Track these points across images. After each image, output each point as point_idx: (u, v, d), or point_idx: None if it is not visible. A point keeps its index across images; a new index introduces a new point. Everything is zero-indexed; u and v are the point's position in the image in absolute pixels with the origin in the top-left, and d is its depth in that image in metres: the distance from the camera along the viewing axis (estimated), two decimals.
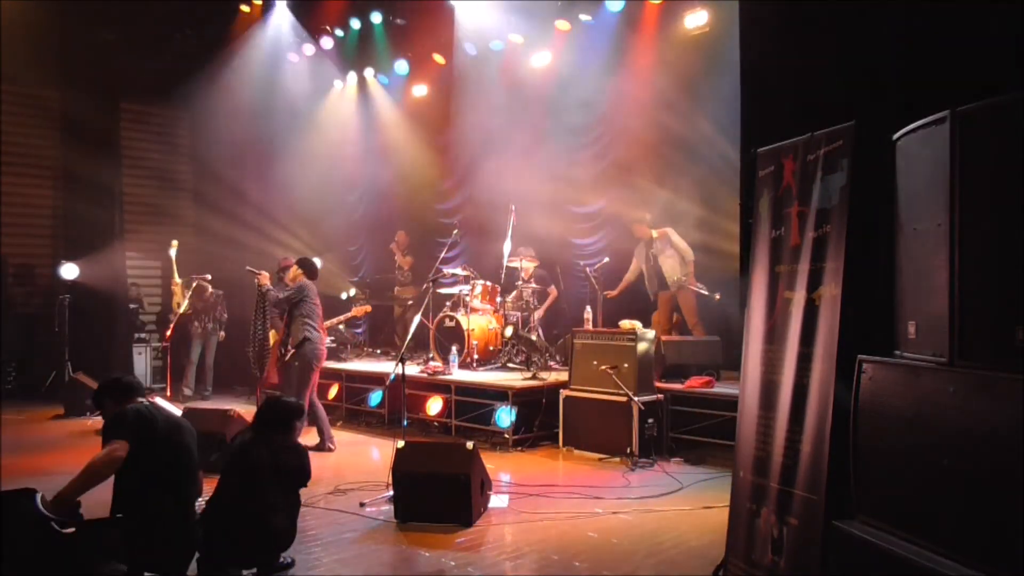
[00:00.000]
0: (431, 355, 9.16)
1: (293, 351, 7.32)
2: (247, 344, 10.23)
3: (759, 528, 3.62)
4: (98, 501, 3.76)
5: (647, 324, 7.97)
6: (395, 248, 11.29)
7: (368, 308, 9.78)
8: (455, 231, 9.52)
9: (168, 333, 10.17)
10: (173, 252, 10.44)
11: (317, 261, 8.01)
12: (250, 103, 12.11)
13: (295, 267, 7.68)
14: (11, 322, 11.18)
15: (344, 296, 11.58)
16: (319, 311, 7.48)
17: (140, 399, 4.03)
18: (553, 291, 9.59)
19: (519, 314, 9.21)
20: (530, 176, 9.74)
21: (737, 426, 3.93)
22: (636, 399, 6.71)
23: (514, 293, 9.31)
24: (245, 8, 11.17)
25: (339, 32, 11.66)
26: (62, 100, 11.82)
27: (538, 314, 9.30)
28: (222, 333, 10.85)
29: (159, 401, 7.57)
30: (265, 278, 7.66)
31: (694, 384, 7.12)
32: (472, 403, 7.86)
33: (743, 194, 4.30)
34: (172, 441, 3.89)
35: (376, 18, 11.15)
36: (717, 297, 7.89)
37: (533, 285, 9.33)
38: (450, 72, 11.17)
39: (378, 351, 11.08)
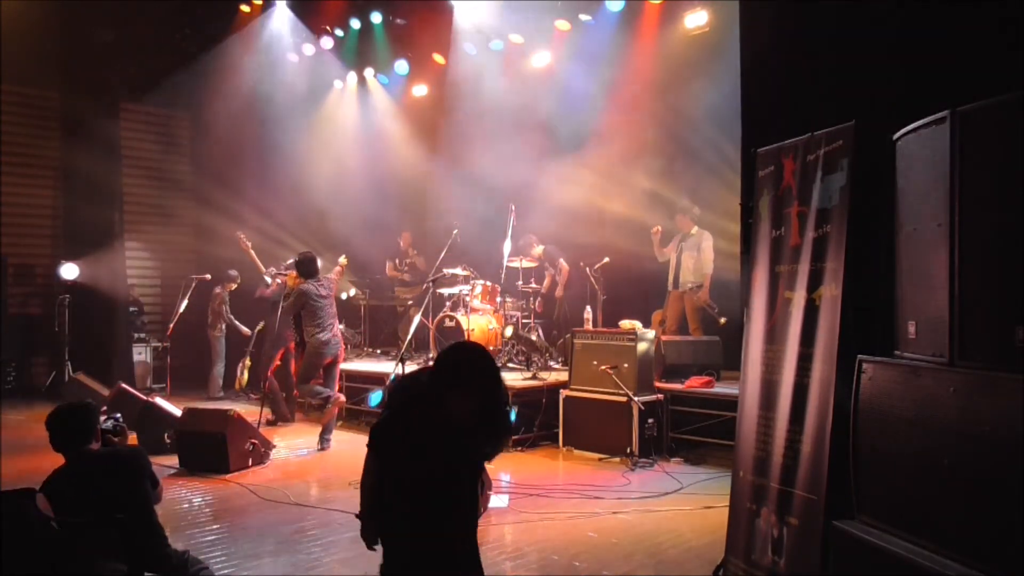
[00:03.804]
0: (431, 355, 9.16)
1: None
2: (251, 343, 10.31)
3: (759, 528, 3.62)
4: None
5: (647, 324, 7.96)
6: (405, 246, 11.28)
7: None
8: (455, 231, 9.51)
9: (168, 332, 10.15)
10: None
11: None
12: (250, 103, 12.08)
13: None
14: (11, 322, 11.15)
15: (344, 296, 11.55)
16: (325, 310, 7.74)
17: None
18: (564, 266, 9.51)
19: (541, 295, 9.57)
20: (530, 176, 9.73)
21: (737, 426, 3.93)
22: (636, 399, 6.71)
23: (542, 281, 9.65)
24: (245, 8, 11.16)
25: (339, 32, 11.64)
26: (62, 100, 11.78)
27: (558, 292, 9.54)
28: (243, 331, 10.79)
29: (159, 401, 7.64)
30: (292, 278, 7.87)
31: (694, 384, 7.12)
32: None
33: (743, 194, 4.30)
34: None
35: (376, 18, 11.14)
36: (722, 322, 7.86)
37: (548, 267, 9.63)
38: (450, 72, 11.17)
39: (378, 351, 11.06)
